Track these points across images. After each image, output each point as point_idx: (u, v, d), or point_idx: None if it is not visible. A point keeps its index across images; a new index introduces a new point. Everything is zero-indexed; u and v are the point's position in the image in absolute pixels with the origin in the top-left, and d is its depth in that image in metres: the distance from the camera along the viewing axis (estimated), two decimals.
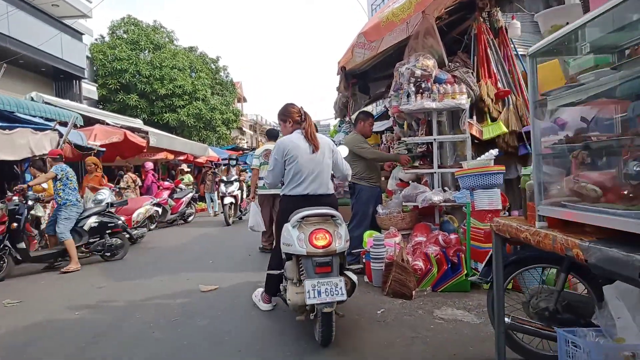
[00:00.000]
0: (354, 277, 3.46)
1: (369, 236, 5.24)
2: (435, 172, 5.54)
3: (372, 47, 6.38)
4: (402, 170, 6.67)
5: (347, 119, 8.96)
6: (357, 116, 5.81)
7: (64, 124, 9.83)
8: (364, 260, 5.19)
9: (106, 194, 7.92)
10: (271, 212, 6.84)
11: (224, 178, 11.68)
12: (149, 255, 7.66)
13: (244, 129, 39.17)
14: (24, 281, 6.20)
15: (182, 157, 14.65)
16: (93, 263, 7.09)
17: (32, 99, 11.62)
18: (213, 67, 25.02)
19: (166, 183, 12.10)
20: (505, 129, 5.34)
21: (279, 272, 3.81)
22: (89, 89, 20.54)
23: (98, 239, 7.11)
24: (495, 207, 4.62)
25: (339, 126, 8.91)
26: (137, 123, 15.13)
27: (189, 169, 14.70)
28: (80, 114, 11.79)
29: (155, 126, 19.06)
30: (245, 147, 32.58)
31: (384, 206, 5.68)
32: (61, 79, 16.35)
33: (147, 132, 11.99)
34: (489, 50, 5.76)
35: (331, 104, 8.51)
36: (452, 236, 4.95)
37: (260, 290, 4.40)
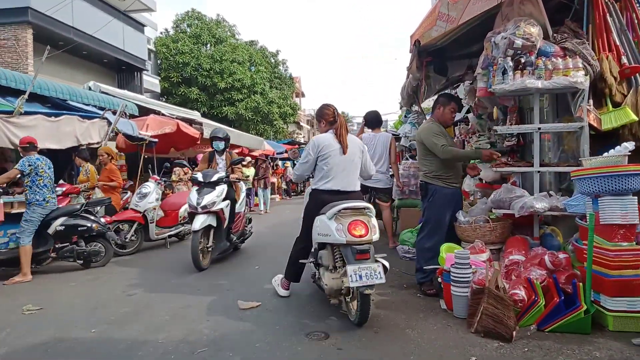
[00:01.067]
0: (387, 263, 3.66)
1: (447, 251, 4.07)
2: (536, 172, 4.26)
3: (453, 19, 5.15)
4: (489, 167, 5.46)
5: (415, 108, 7.74)
6: (437, 100, 4.62)
7: (116, 112, 9.33)
8: (439, 280, 4.04)
9: (151, 187, 7.20)
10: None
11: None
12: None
13: (301, 123, 38.50)
14: (55, 280, 5.56)
15: (236, 150, 13.92)
16: (133, 261, 6.40)
17: (90, 88, 11.27)
18: (272, 60, 24.37)
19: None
20: (634, 117, 3.98)
21: (309, 260, 4.12)
22: (152, 81, 20.47)
23: (68, 244, 5.95)
24: (631, 221, 3.32)
25: (405, 116, 7.71)
26: (195, 115, 14.62)
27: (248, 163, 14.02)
28: (136, 104, 11.36)
29: (214, 119, 18.65)
30: (302, 141, 31.89)
31: (466, 213, 4.48)
32: (123, 71, 16.18)
33: (201, 124, 11.31)
34: (608, 16, 4.38)
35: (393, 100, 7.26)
36: (561, 255, 3.68)
37: (280, 276, 4.56)
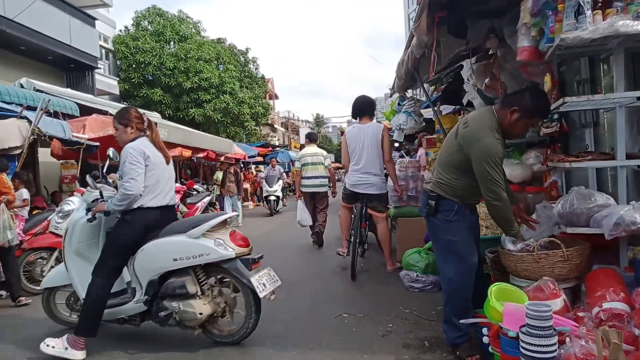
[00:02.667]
0: None
1: (501, 296, 2.50)
2: (620, 167, 2.73)
3: None
4: (515, 163, 4.00)
5: (409, 94, 6.19)
6: (517, 97, 2.74)
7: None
8: (487, 342, 2.49)
9: (75, 203, 5.45)
10: (314, 208, 7.34)
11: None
12: None
13: (275, 125, 36.75)
14: None
15: (201, 155, 12.19)
16: None
17: (22, 86, 9.41)
18: (242, 59, 22.60)
19: (177, 185, 9.64)
20: None
21: (140, 299, 3.31)
22: (110, 83, 18.49)
23: None
24: None
25: (398, 104, 6.16)
26: (154, 116, 12.81)
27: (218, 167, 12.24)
28: (78, 104, 9.57)
29: (181, 122, 16.80)
30: (276, 144, 30.17)
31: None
32: (72, 70, 14.19)
33: (155, 124, 9.52)
34: None
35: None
36: None
37: (66, 336, 3.21)
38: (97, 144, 8.04)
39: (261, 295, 3.12)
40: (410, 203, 5.60)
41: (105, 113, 9.45)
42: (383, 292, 4.32)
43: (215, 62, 20.66)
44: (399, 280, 4.56)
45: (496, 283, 2.60)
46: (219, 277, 3.38)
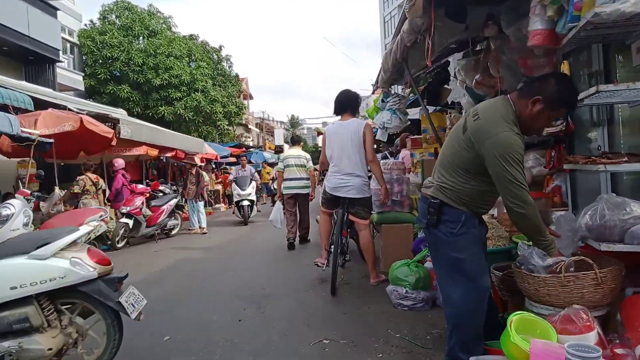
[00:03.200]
0: None
1: (525, 329, 1.99)
2: None
3: None
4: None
5: (394, 90, 5.71)
6: (535, 84, 2.28)
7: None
8: None
9: (15, 207, 4.71)
10: (295, 209, 7.34)
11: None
12: None
13: (249, 126, 35.92)
14: None
15: (169, 154, 11.43)
16: None
17: None
18: (215, 57, 21.79)
19: (140, 187, 8.85)
20: None
21: None
22: (74, 78, 17.44)
23: None
24: None
25: (382, 101, 5.65)
26: (119, 113, 11.98)
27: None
28: (34, 97, 8.71)
29: (150, 120, 15.91)
30: (250, 144, 29.40)
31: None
32: (31, 62, 13.17)
33: (117, 121, 8.78)
34: None
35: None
36: None
37: None
38: (51, 140, 7.24)
39: (133, 316, 2.79)
40: (395, 208, 5.10)
41: (63, 108, 8.64)
42: (368, 310, 3.79)
43: (187, 59, 19.83)
44: (384, 295, 4.04)
45: (517, 312, 2.09)
46: (64, 302, 2.88)
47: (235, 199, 10.78)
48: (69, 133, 8.11)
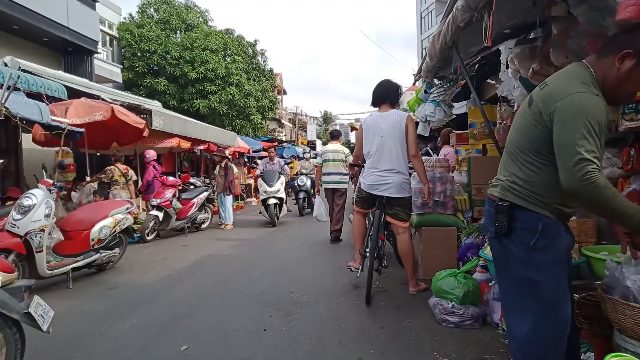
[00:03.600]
0: None
1: None
2: None
3: None
4: None
5: (438, 81, 5.19)
6: (620, 37, 1.75)
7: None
8: None
9: (37, 197, 4.51)
10: (332, 204, 7.32)
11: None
12: (108, 299, 4.24)
13: (282, 121, 35.75)
14: None
15: (202, 147, 11.23)
16: None
17: (5, 64, 8.52)
18: (250, 51, 21.61)
19: (170, 179, 8.64)
20: None
21: None
22: (113, 70, 17.61)
23: None
24: None
25: (425, 91, 5.13)
26: (155, 105, 11.89)
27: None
28: (67, 86, 8.65)
29: (185, 114, 15.87)
30: (283, 139, 29.15)
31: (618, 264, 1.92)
32: (70, 53, 13.27)
33: (149, 112, 8.60)
34: None
35: None
36: None
37: None
38: (82, 130, 7.09)
39: (44, 328, 2.53)
40: (437, 209, 4.61)
41: (97, 98, 8.52)
42: (408, 326, 3.34)
43: (222, 52, 19.73)
44: (425, 307, 3.58)
45: (614, 355, 1.61)
46: None
47: (261, 197, 9.50)
48: (101, 123, 7.97)
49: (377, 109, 4.33)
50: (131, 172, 7.92)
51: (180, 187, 8.52)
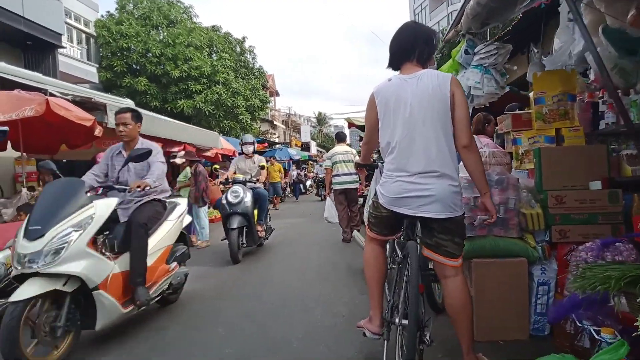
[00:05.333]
0: None
1: None
2: None
3: None
4: None
5: (477, 38, 3.48)
6: None
7: None
8: None
9: None
10: (346, 204, 7.20)
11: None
12: None
13: (275, 122, 33.93)
14: None
15: (176, 148, 9.45)
16: None
17: None
18: (238, 49, 19.83)
19: None
20: None
21: None
22: (87, 70, 15.79)
23: None
24: None
25: (466, 52, 3.34)
26: (127, 103, 10.09)
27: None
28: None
29: (169, 115, 14.06)
30: (276, 141, 27.32)
31: None
32: (30, 48, 11.47)
33: (103, 106, 6.84)
34: None
35: None
36: None
37: None
38: (4, 128, 5.34)
39: None
40: (494, 230, 2.88)
41: (31, 89, 6.70)
42: None
43: (207, 49, 17.95)
44: None
45: None
46: None
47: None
48: (45, 121, 6.25)
49: (397, 72, 2.58)
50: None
51: None
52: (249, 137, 7.04)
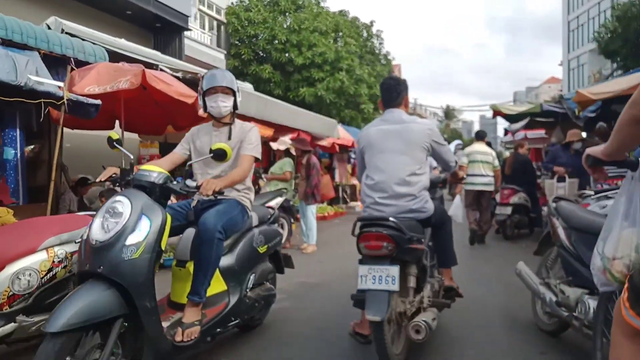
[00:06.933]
0: None
1: None
2: None
3: None
4: None
5: None
6: None
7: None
8: None
9: None
10: (475, 206, 6.99)
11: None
12: None
13: None
14: None
15: (290, 135, 8.45)
16: None
17: (48, 27, 6.63)
18: (365, 34, 18.55)
19: None
20: None
21: None
22: (215, 56, 15.92)
23: None
24: None
25: None
26: (247, 87, 9.43)
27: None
28: (115, 51, 6.56)
29: (291, 104, 13.47)
30: None
31: None
32: (158, 30, 11.55)
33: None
34: None
35: None
36: None
37: None
38: (97, 102, 4.71)
39: None
40: None
41: (133, 61, 6.12)
42: None
43: (333, 35, 16.97)
44: None
45: None
46: None
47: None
48: (152, 100, 5.70)
49: None
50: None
51: None
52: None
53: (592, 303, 2.20)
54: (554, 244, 2.87)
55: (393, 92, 2.97)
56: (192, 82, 6.30)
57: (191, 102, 5.38)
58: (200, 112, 5.77)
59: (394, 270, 2.40)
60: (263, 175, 6.55)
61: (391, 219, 2.53)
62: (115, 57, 6.19)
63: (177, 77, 6.36)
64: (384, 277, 2.40)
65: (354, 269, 2.55)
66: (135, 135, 7.66)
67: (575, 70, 33.44)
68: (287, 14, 17.05)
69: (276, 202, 5.88)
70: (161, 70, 6.48)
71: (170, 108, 6.15)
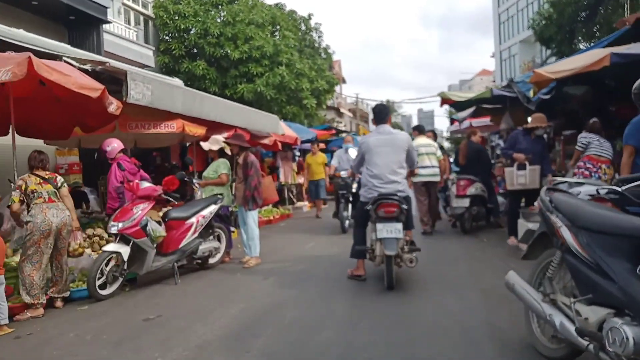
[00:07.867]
0: None
1: None
2: None
3: None
4: None
5: None
6: None
7: None
8: None
9: None
10: (426, 197, 7.13)
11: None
12: None
13: (342, 110, 31.74)
14: None
15: (225, 134, 7.54)
16: None
17: None
18: (303, 27, 17.85)
19: (145, 184, 4.79)
20: None
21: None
22: (143, 53, 14.52)
23: None
24: None
25: None
26: (176, 83, 8.38)
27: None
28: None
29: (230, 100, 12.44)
30: (342, 129, 25.12)
31: None
32: (74, 24, 10.17)
33: (124, 75, 5.05)
34: None
35: None
36: None
37: None
38: None
39: None
40: None
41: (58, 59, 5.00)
42: None
43: (270, 28, 16.12)
44: None
45: None
46: None
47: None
48: (53, 97, 4.66)
49: None
50: (59, 178, 4.32)
51: (159, 198, 4.78)
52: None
53: (629, 331, 1.62)
54: (549, 248, 2.31)
55: (383, 114, 4.56)
56: (110, 77, 5.29)
57: (96, 95, 4.41)
58: (111, 109, 4.83)
59: (399, 226, 4.04)
60: (195, 181, 5.64)
61: (398, 194, 4.17)
62: (9, 49, 5.02)
63: (85, 70, 5.32)
64: (393, 230, 4.01)
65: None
66: (40, 142, 6.45)
67: (507, 60, 34.68)
68: (219, 6, 15.98)
69: (209, 210, 5.05)
70: (65, 61, 5.40)
71: (75, 106, 5.11)
